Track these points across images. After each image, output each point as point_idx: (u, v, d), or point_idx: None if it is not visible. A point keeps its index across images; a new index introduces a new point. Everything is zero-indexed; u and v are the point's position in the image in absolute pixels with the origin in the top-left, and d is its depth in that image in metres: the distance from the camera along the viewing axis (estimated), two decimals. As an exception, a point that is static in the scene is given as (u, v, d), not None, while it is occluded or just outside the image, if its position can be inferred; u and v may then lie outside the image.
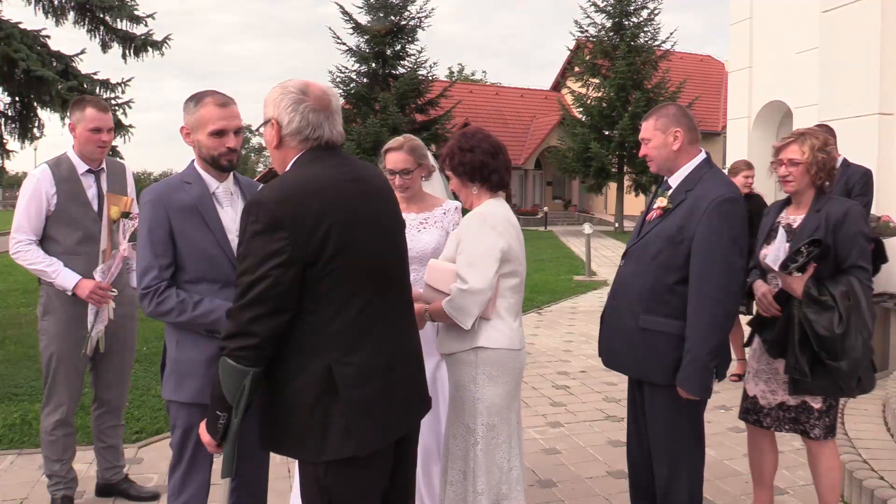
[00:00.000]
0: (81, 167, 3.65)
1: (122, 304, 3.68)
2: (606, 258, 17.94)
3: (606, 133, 28.75)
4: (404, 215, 3.34)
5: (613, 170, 28.80)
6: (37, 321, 3.75)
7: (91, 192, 3.65)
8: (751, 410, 3.43)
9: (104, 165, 3.74)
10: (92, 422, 3.92)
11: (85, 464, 4.31)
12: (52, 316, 3.61)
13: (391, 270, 2.25)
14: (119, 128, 12.56)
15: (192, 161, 2.79)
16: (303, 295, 2.03)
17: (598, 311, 11.30)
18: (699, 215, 2.83)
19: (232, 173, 2.82)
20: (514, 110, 39.35)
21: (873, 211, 5.73)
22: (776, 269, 3.19)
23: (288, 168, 2.19)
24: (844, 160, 5.51)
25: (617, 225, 29.18)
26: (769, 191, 7.57)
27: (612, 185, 30.88)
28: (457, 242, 2.83)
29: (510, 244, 2.82)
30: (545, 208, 35.90)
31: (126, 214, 3.57)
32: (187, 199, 2.67)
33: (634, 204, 32.83)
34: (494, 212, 2.86)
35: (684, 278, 2.85)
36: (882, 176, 6.24)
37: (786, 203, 3.40)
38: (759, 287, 3.35)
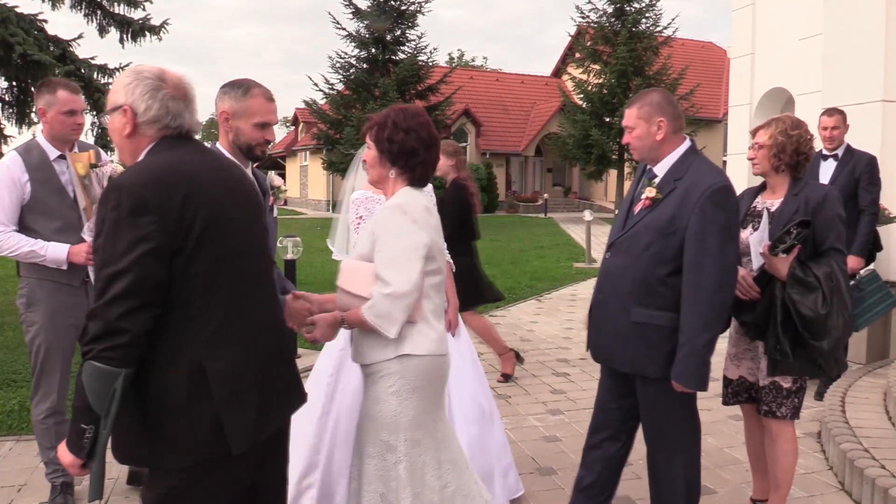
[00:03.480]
0: (53, 153, 3.54)
1: None
2: (606, 245, 17.90)
3: (607, 120, 28.66)
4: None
5: (614, 157, 28.72)
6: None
7: (65, 178, 3.55)
8: (739, 392, 3.45)
9: (76, 149, 3.64)
10: None
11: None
12: (37, 307, 3.55)
13: (257, 262, 2.18)
14: (117, 113, 12.48)
15: (215, 144, 2.83)
16: (169, 287, 1.91)
17: (599, 299, 11.05)
18: (691, 205, 2.78)
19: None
20: (515, 96, 39.20)
21: (883, 197, 5.69)
22: (762, 250, 3.20)
23: (143, 156, 2.06)
24: (848, 146, 5.46)
25: (617, 212, 29.14)
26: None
27: (613, 172, 30.81)
28: (372, 239, 2.50)
29: (433, 238, 2.53)
30: (545, 195, 35.82)
31: (94, 165, 3.51)
32: None
33: (634, 191, 32.80)
34: (413, 202, 2.53)
35: (677, 269, 2.81)
36: (885, 162, 6.20)
37: (760, 189, 3.44)
38: (738, 271, 3.34)
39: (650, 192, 2.92)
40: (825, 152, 5.52)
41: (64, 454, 1.92)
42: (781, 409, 3.26)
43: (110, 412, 1.85)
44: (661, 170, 2.96)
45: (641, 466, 4.20)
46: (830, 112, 5.48)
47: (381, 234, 2.48)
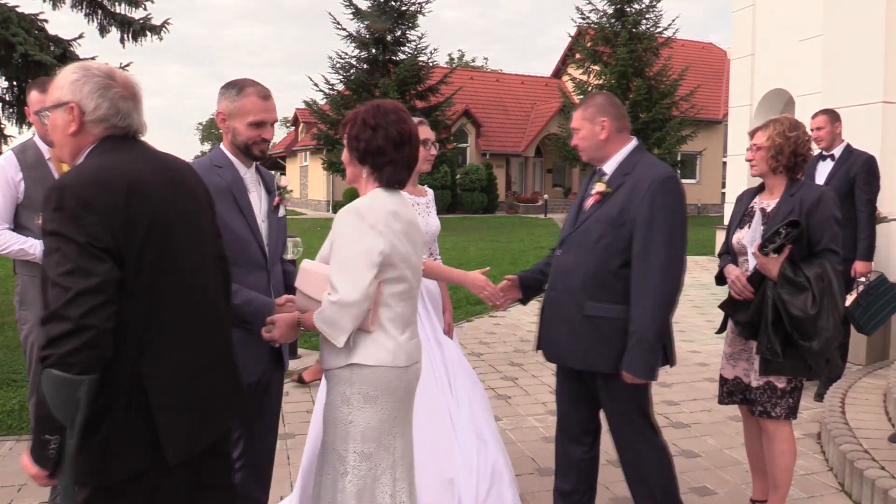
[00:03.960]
0: (49, 152, 3.57)
1: None
2: (606, 246, 17.89)
3: (607, 121, 28.65)
4: (415, 199, 3.42)
5: (614, 157, 28.71)
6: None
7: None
8: (734, 392, 3.46)
9: None
10: None
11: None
12: (30, 305, 3.56)
13: (204, 267, 2.14)
14: (117, 113, 12.48)
15: (219, 145, 2.84)
16: None
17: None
18: (640, 196, 2.83)
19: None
20: (515, 97, 39.18)
21: (881, 198, 5.69)
22: (753, 250, 3.22)
23: (84, 157, 2.00)
24: (848, 146, 5.47)
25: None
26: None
27: (613, 173, 30.80)
28: (331, 241, 2.42)
29: (394, 245, 2.38)
30: (545, 196, 35.80)
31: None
32: (222, 183, 2.70)
33: (634, 192, 32.81)
34: (375, 205, 2.39)
35: (628, 261, 2.85)
36: (886, 164, 6.21)
37: (759, 190, 3.46)
38: (732, 271, 3.37)
39: (600, 188, 2.97)
40: (823, 153, 5.53)
41: (28, 464, 1.84)
42: (776, 409, 3.26)
43: (76, 422, 1.76)
44: (609, 168, 3.01)
45: (641, 467, 4.21)
46: (815, 114, 5.52)
47: (336, 237, 2.39)
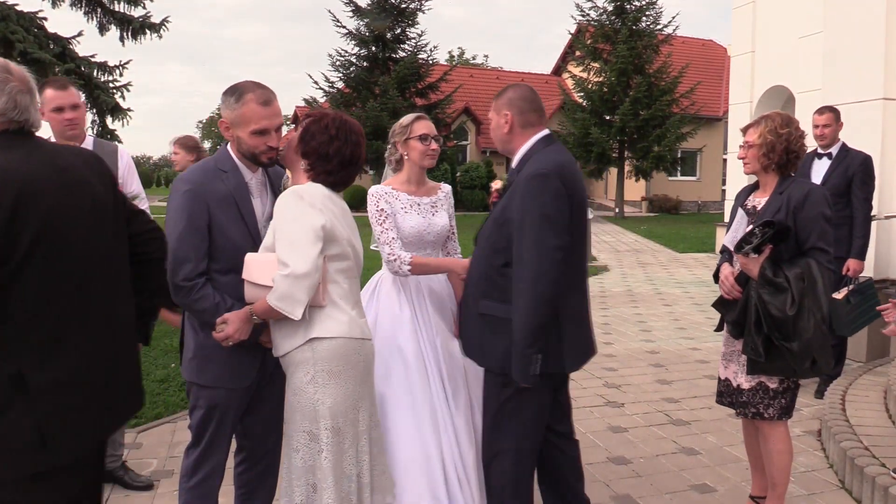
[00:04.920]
0: None
1: None
2: (607, 243, 17.91)
3: (607, 118, 28.61)
4: (416, 199, 3.32)
5: (614, 155, 28.68)
6: None
7: None
8: (724, 393, 3.45)
9: (92, 147, 3.62)
10: None
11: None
12: None
13: (99, 265, 2.08)
14: (117, 111, 12.49)
15: (226, 145, 2.76)
16: None
17: (600, 296, 11.22)
18: (516, 194, 2.77)
19: None
20: (515, 95, 39.10)
21: (877, 196, 5.70)
22: (732, 250, 3.22)
23: None
24: (843, 145, 5.45)
25: (617, 210, 29.10)
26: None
27: (613, 171, 30.75)
28: (273, 229, 2.50)
29: (333, 223, 2.51)
30: (545, 193, 35.75)
31: None
32: (225, 190, 2.65)
33: (635, 189, 32.74)
34: (312, 189, 2.54)
35: (510, 261, 2.79)
36: (886, 160, 6.21)
37: (753, 188, 3.44)
38: (724, 269, 3.37)
39: (496, 185, 2.97)
40: (819, 151, 5.51)
41: None
42: (769, 410, 3.25)
43: None
44: (514, 162, 2.99)
45: (642, 464, 4.22)
46: (821, 111, 5.48)
47: (278, 220, 2.47)
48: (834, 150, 5.44)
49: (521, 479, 2.95)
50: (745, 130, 3.33)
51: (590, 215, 14.84)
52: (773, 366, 3.13)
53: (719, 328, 3.53)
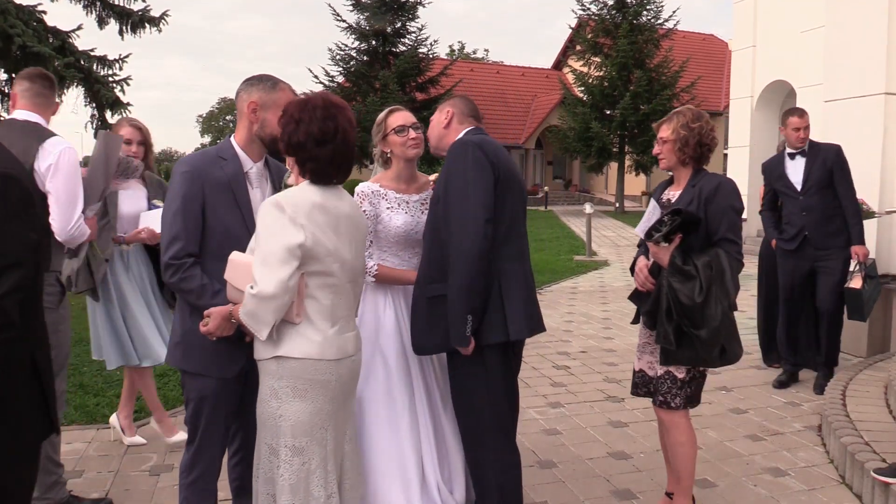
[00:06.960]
0: None
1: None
2: (607, 238, 17.90)
3: (608, 112, 28.61)
4: (405, 197, 3.25)
5: (614, 149, 28.69)
6: None
7: None
8: (640, 384, 3.47)
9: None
10: None
11: (83, 443, 4.32)
12: None
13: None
14: (117, 105, 12.47)
15: (230, 137, 2.83)
16: None
17: (599, 292, 11.21)
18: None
19: (265, 156, 2.88)
20: (515, 89, 39.11)
21: (878, 192, 5.70)
22: (642, 237, 3.27)
23: None
24: (811, 141, 5.44)
25: (618, 205, 29.12)
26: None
27: (613, 165, 30.78)
28: (256, 233, 2.42)
29: (316, 238, 2.36)
30: (546, 188, 35.77)
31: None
32: (222, 176, 2.70)
33: (635, 184, 32.75)
34: (297, 198, 2.38)
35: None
36: (888, 155, 6.19)
37: (669, 182, 3.50)
38: (639, 262, 3.42)
39: (433, 176, 3.14)
40: (790, 150, 5.50)
41: None
42: (676, 399, 3.27)
43: None
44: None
45: (642, 460, 4.21)
46: (801, 113, 5.46)
47: (259, 229, 2.38)
48: (805, 147, 5.45)
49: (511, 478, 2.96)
50: (658, 127, 3.39)
51: (590, 210, 14.74)
52: (683, 355, 3.17)
53: (635, 321, 3.54)
